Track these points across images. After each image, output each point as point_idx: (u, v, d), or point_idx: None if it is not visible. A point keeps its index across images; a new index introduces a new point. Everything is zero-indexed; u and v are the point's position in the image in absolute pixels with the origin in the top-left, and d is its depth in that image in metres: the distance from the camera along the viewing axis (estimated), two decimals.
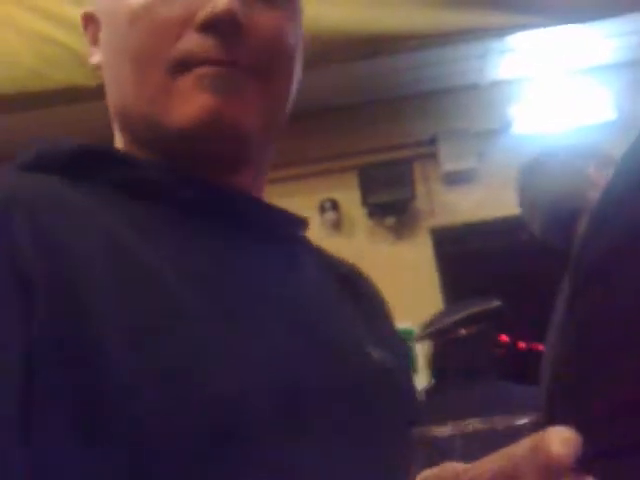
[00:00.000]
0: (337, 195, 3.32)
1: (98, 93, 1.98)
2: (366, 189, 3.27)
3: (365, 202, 3.28)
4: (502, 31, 2.40)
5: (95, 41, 0.69)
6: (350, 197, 3.31)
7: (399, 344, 0.78)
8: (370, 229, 3.37)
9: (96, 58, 0.69)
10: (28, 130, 2.69)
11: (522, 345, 4.13)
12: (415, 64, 2.90)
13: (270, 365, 0.56)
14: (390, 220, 3.32)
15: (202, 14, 0.61)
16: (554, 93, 3.13)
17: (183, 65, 0.61)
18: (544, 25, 2.33)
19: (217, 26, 0.61)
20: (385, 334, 0.74)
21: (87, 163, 0.62)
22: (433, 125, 3.23)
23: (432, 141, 3.24)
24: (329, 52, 2.20)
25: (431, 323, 2.18)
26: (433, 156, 3.26)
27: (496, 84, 3.17)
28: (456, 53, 2.79)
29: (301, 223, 0.72)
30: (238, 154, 0.66)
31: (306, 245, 0.74)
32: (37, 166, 0.62)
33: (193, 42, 0.61)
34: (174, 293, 0.55)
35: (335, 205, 3.32)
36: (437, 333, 2.15)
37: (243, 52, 0.62)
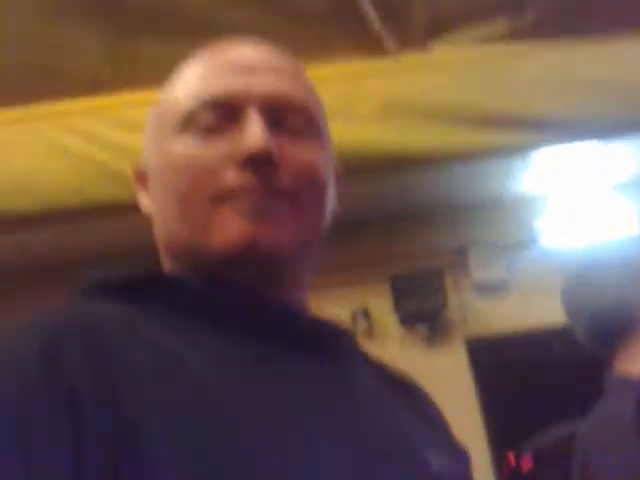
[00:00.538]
0: (369, 303, 3.35)
1: (133, 209, 2.10)
2: (398, 298, 3.30)
3: (397, 310, 3.31)
4: (526, 149, 2.46)
5: (144, 190, 0.79)
6: (382, 305, 3.33)
7: (459, 450, 0.79)
8: (402, 337, 3.38)
9: (146, 203, 0.78)
10: (68, 243, 2.85)
11: None
12: (443, 178, 2.98)
13: (325, 475, 0.58)
14: (422, 329, 3.33)
15: (241, 153, 0.68)
16: (579, 208, 3.18)
17: (223, 198, 0.68)
18: (567, 142, 2.39)
19: (255, 163, 0.68)
20: (444, 440, 0.77)
21: (140, 286, 0.69)
22: (462, 236, 3.29)
23: (461, 251, 3.29)
24: (359, 170, 2.29)
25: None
26: (463, 266, 3.30)
27: (521, 198, 3.23)
28: (483, 169, 2.85)
29: (346, 331, 0.75)
30: (273, 275, 0.70)
31: (356, 353, 0.77)
32: (94, 292, 0.69)
33: (233, 178, 0.68)
34: (223, 406, 0.57)
35: (367, 313, 3.35)
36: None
37: (278, 182, 0.69)
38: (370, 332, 3.35)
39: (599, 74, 2.29)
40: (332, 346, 0.72)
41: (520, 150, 2.46)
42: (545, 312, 3.18)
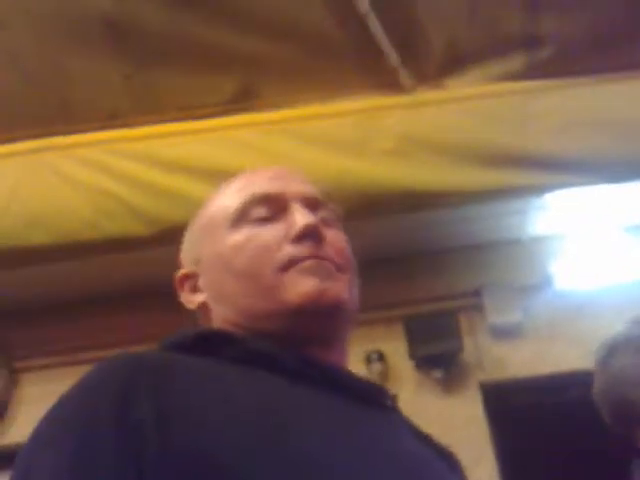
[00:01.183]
0: (383, 346, 3.32)
1: (148, 242, 2.08)
2: (412, 340, 3.26)
3: (412, 354, 3.27)
4: (542, 189, 2.45)
5: (194, 290, 0.90)
6: (396, 348, 3.30)
7: None
8: (417, 381, 3.33)
9: (199, 299, 0.89)
10: (79, 277, 2.84)
11: None
12: (458, 218, 2.97)
13: None
14: (438, 372, 3.28)
15: (296, 229, 0.82)
16: (594, 249, 3.16)
17: (287, 267, 0.81)
18: (582, 184, 2.38)
19: (307, 235, 0.82)
20: None
21: (208, 343, 0.78)
22: (477, 277, 3.26)
23: (477, 293, 3.26)
24: (374, 206, 2.28)
25: None
26: (478, 308, 3.27)
27: (537, 239, 3.22)
28: (497, 209, 2.84)
29: (387, 393, 0.85)
30: (336, 328, 0.83)
31: (398, 414, 0.86)
32: (171, 348, 0.79)
33: (291, 251, 0.82)
34: (286, 440, 0.65)
35: (381, 356, 3.31)
36: None
37: (326, 252, 0.83)
38: (385, 375, 3.30)
39: (615, 113, 2.29)
40: (375, 403, 0.81)
41: (535, 191, 2.45)
42: (561, 356, 3.15)
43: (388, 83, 2.23)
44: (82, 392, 0.69)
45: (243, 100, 2.27)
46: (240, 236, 0.84)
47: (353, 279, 0.86)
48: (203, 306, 0.88)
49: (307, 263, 0.81)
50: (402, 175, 2.25)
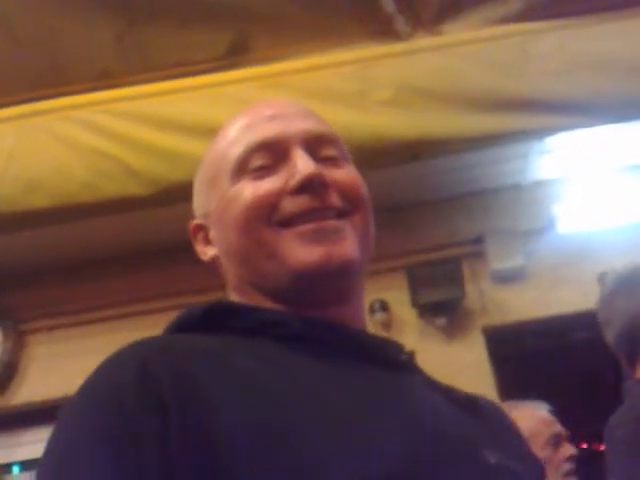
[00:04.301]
0: (386, 296, 3.32)
1: (147, 203, 2.07)
2: (415, 289, 3.26)
3: (415, 302, 3.28)
4: (543, 132, 2.43)
5: (207, 242, 0.88)
6: (399, 297, 3.30)
7: (532, 460, 0.84)
8: (421, 329, 3.34)
9: (211, 252, 0.87)
10: (81, 239, 2.84)
11: (583, 445, 3.98)
12: (459, 165, 2.94)
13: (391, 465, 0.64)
14: (441, 320, 3.29)
15: (296, 180, 0.78)
16: (597, 192, 3.14)
17: (286, 224, 0.78)
18: (584, 126, 2.36)
19: (308, 186, 0.78)
20: (516, 447, 0.82)
21: (215, 316, 0.77)
22: (479, 224, 3.25)
23: (479, 240, 3.26)
24: (374, 157, 2.26)
25: None
26: (481, 255, 3.26)
27: (539, 184, 3.19)
28: (498, 154, 2.82)
29: (403, 349, 0.83)
30: (347, 287, 0.80)
31: (416, 369, 0.84)
32: (179, 327, 0.78)
33: (290, 204, 0.79)
34: (300, 417, 0.64)
35: (384, 306, 3.32)
36: None
37: (331, 200, 0.80)
38: (388, 324, 3.32)
39: (616, 52, 2.26)
40: (394, 360, 0.80)
41: (537, 134, 2.43)
42: (564, 299, 3.15)
43: (384, 31, 2.19)
44: (100, 398, 0.66)
45: (237, 55, 2.23)
46: (240, 188, 0.81)
47: (365, 217, 0.83)
48: (216, 259, 0.86)
49: (307, 227, 0.78)
50: (402, 125, 2.23)
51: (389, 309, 3.32)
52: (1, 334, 3.09)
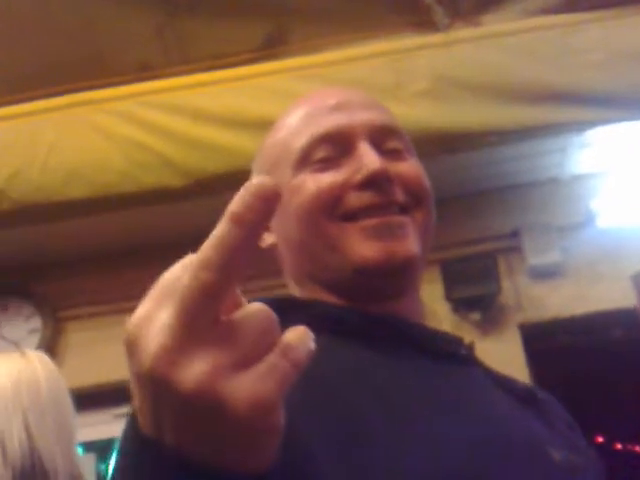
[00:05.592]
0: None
1: (184, 194, 2.09)
2: (449, 284, 3.24)
3: (449, 297, 3.25)
4: (582, 126, 2.39)
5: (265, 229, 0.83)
6: (434, 292, 3.27)
7: (591, 454, 0.83)
8: (455, 324, 3.31)
9: (269, 240, 0.86)
10: (119, 228, 2.87)
11: (618, 446, 3.92)
12: (496, 159, 2.91)
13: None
14: (475, 315, 3.27)
15: (362, 175, 0.78)
16: (636, 186, 3.08)
17: (349, 218, 0.78)
18: (624, 119, 2.33)
19: (373, 182, 0.78)
20: (574, 442, 0.81)
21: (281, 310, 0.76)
22: (516, 219, 3.21)
23: (515, 235, 3.22)
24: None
25: None
26: (517, 250, 3.23)
27: (577, 178, 3.14)
28: (536, 147, 2.79)
29: (462, 342, 0.83)
30: (406, 283, 0.80)
31: (475, 363, 0.83)
32: None
33: (355, 199, 0.78)
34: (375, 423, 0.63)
35: None
36: None
37: (395, 196, 0.79)
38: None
39: None
40: (454, 353, 0.79)
41: (576, 127, 2.40)
42: (602, 296, 3.11)
43: (422, 22, 2.17)
44: None
45: (274, 46, 2.24)
46: (302, 180, 0.80)
47: (427, 213, 0.82)
48: (274, 247, 0.86)
49: (370, 222, 0.77)
50: (438, 117, 2.22)
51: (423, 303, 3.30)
52: (40, 321, 3.14)
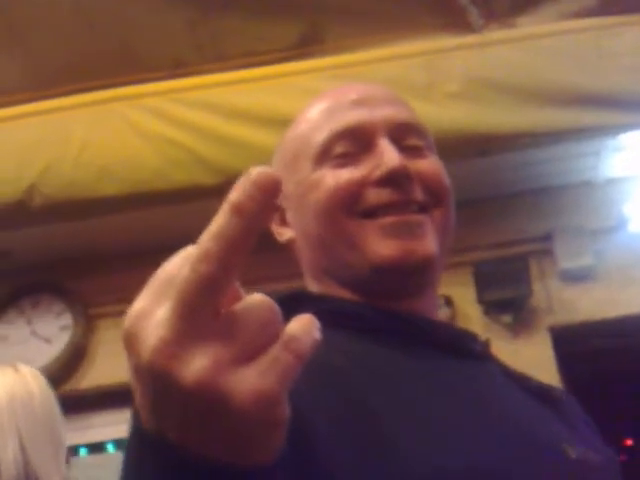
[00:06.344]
0: (451, 291, 3.29)
1: (215, 191, 2.11)
2: (481, 286, 3.23)
3: (480, 299, 3.24)
4: (616, 129, 2.37)
5: (283, 223, 0.87)
6: (465, 294, 3.26)
7: (608, 452, 0.82)
8: (486, 326, 3.30)
9: (287, 235, 0.86)
10: (150, 226, 2.89)
11: None
12: (529, 161, 2.89)
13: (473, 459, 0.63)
14: (506, 317, 3.25)
15: (382, 171, 0.77)
16: None
17: (368, 215, 0.78)
18: None
19: (392, 179, 0.77)
20: (591, 440, 0.81)
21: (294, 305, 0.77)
22: (548, 222, 3.19)
23: (547, 238, 3.20)
24: (441, 151, 2.23)
25: None
26: (549, 253, 3.20)
27: (611, 181, 3.11)
28: (570, 150, 2.76)
29: (478, 339, 0.83)
30: (423, 282, 0.79)
31: (491, 359, 0.83)
32: None
33: (374, 196, 0.78)
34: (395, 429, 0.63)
35: (449, 301, 3.29)
36: None
37: (414, 194, 0.78)
38: (453, 321, 3.28)
39: None
40: (470, 350, 0.79)
41: (610, 131, 2.38)
42: (634, 300, 3.07)
43: (457, 23, 2.16)
44: None
45: (307, 45, 2.24)
46: (321, 175, 0.80)
47: (446, 211, 0.81)
48: (292, 242, 0.86)
49: (389, 220, 0.77)
50: (470, 118, 2.21)
51: (454, 305, 3.29)
52: (71, 319, 3.15)
